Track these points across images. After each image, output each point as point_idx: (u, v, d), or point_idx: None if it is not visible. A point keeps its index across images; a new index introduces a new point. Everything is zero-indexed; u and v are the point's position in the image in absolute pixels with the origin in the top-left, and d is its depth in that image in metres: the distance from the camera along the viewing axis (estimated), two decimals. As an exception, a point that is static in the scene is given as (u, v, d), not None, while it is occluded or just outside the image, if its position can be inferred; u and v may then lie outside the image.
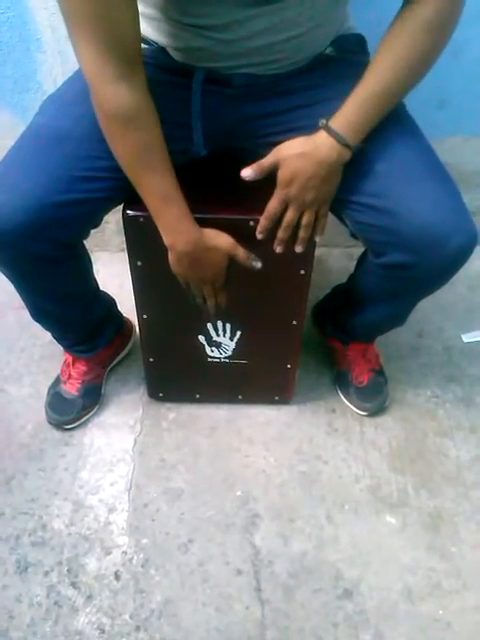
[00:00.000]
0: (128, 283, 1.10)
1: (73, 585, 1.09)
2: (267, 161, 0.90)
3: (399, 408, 1.36)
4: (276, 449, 1.28)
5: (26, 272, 1.02)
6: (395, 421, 1.33)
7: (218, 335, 1.18)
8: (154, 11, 0.88)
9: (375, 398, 1.34)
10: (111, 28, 0.75)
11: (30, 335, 1.49)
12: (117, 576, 1.10)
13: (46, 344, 1.46)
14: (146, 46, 0.94)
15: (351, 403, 1.35)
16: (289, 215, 0.94)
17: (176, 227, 0.92)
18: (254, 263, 1.00)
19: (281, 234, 0.97)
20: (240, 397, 1.34)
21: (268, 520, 1.17)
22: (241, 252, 0.98)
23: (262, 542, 1.14)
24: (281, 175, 0.90)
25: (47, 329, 1.24)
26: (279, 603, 1.07)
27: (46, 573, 1.10)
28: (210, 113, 0.96)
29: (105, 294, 1.30)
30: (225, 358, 1.23)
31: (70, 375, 1.33)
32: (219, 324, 1.16)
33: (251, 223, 0.97)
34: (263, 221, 0.96)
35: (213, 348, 1.21)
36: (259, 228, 0.96)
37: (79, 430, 1.31)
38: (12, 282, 1.06)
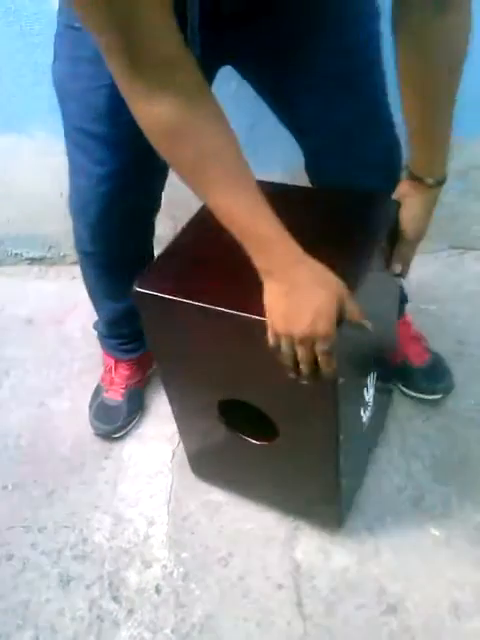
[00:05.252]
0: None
1: (114, 599, 1.09)
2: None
3: (441, 417, 1.32)
4: (315, 460, 1.27)
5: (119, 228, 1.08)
6: (437, 430, 1.30)
7: None
8: None
9: (444, 377, 1.32)
10: (137, 39, 0.64)
11: (69, 349, 1.51)
12: (158, 590, 1.10)
13: (85, 358, 1.48)
14: None
15: (419, 392, 1.32)
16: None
17: (269, 247, 0.74)
18: (365, 322, 0.78)
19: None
20: None
21: (309, 533, 1.15)
22: (352, 304, 0.76)
23: (303, 556, 1.12)
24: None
25: (113, 315, 1.26)
26: (321, 619, 1.05)
27: (88, 587, 1.11)
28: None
29: None
30: None
31: (112, 381, 1.35)
32: None
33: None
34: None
35: None
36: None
37: (118, 443, 1.32)
38: (108, 253, 1.13)
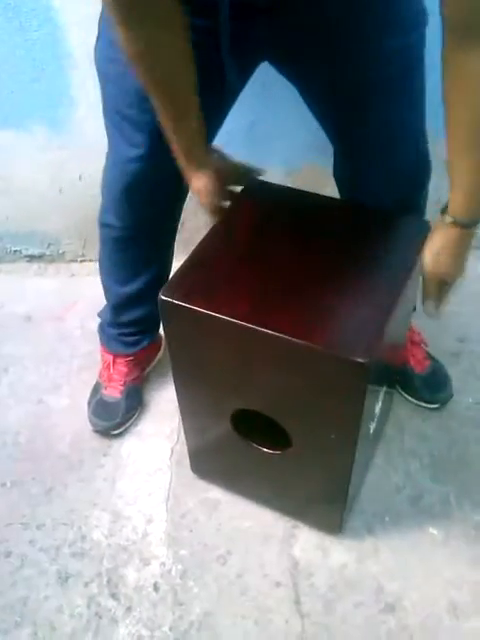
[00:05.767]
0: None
1: (113, 596, 1.09)
2: None
3: (439, 416, 1.32)
4: (314, 459, 1.27)
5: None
6: (435, 430, 1.30)
7: None
8: None
9: (445, 386, 1.33)
10: None
11: (68, 346, 1.51)
12: (156, 587, 1.10)
13: (84, 355, 1.48)
14: None
15: (418, 399, 1.33)
16: None
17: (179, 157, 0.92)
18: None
19: None
20: None
21: (307, 531, 1.15)
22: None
23: (301, 554, 1.13)
24: None
25: (119, 299, 1.27)
26: (319, 616, 1.05)
27: (86, 584, 1.11)
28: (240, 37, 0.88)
29: None
30: None
31: (111, 377, 1.35)
32: None
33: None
34: None
35: None
36: None
37: (117, 440, 1.32)
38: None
